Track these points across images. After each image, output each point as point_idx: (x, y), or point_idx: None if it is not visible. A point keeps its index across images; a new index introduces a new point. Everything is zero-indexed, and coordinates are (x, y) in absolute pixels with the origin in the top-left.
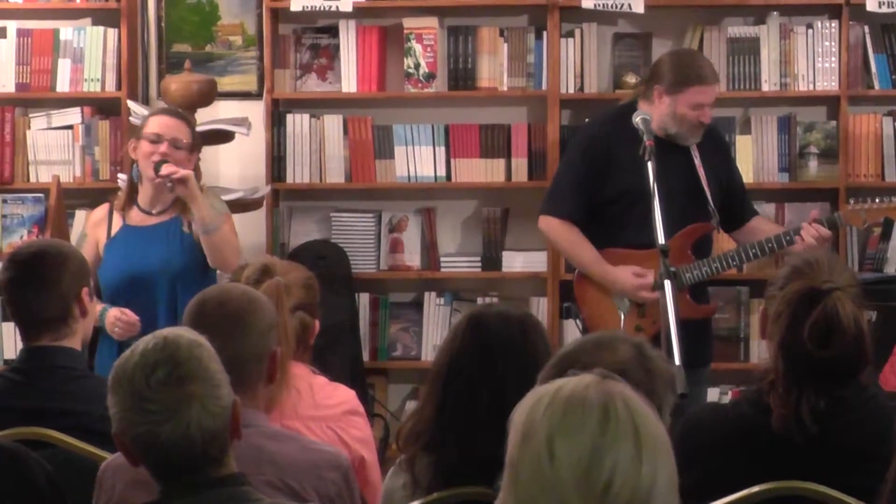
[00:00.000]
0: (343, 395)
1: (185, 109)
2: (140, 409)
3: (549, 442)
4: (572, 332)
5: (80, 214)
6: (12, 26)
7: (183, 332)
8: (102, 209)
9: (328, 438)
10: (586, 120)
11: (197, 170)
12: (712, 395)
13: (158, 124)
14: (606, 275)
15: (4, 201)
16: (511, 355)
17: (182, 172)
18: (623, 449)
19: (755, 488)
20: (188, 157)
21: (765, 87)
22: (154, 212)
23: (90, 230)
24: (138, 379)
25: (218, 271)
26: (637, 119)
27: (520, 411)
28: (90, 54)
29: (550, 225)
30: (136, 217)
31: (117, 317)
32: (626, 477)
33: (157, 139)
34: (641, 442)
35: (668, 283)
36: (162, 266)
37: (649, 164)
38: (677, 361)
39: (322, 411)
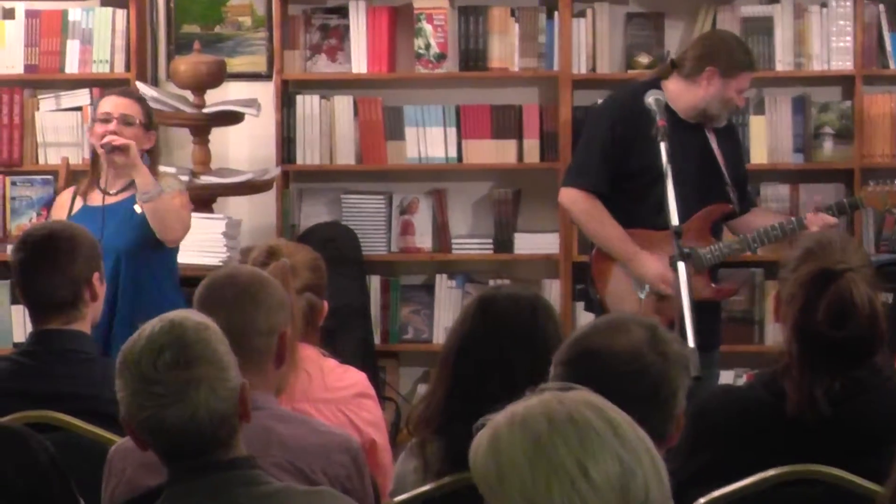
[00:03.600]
0: (353, 378)
1: (194, 90)
2: (147, 392)
3: (581, 468)
4: (585, 314)
5: None
6: (20, 7)
7: (190, 315)
8: (68, 192)
9: (339, 421)
10: (605, 97)
11: (156, 149)
12: (726, 377)
13: (108, 104)
14: (633, 258)
15: (13, 183)
16: (521, 338)
17: (121, 140)
18: (642, 454)
19: (769, 472)
20: (144, 134)
21: (779, 67)
22: (112, 192)
23: (55, 214)
24: (145, 362)
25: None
26: (650, 99)
27: (502, 447)
28: (99, 35)
29: (572, 198)
30: (95, 198)
31: None
32: (649, 476)
33: (106, 118)
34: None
35: (681, 265)
36: (111, 243)
37: (662, 145)
38: (691, 344)
39: (332, 394)
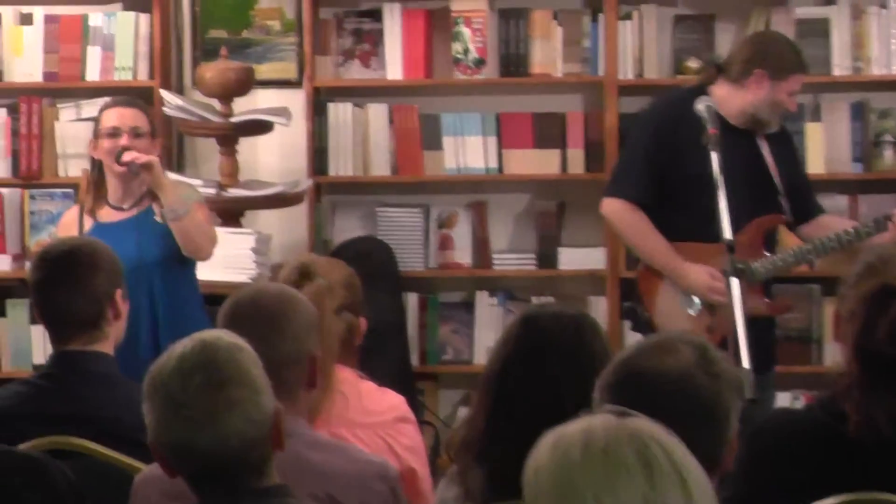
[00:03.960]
0: (392, 401)
1: (221, 98)
2: (177, 415)
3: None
4: (633, 333)
5: None
6: (39, 12)
7: (222, 335)
8: (72, 212)
9: (376, 447)
10: (649, 103)
11: (161, 157)
12: (782, 399)
13: (114, 117)
14: (678, 269)
15: (32, 197)
16: (566, 358)
17: (145, 158)
18: (673, 498)
19: (830, 499)
20: (150, 144)
21: (836, 72)
22: (125, 206)
23: (62, 233)
24: (175, 384)
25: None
26: (700, 106)
27: (543, 460)
28: (121, 41)
29: (615, 208)
30: (106, 214)
31: None
32: None
33: (115, 132)
34: (690, 488)
35: (734, 281)
36: (137, 260)
37: (714, 154)
38: (745, 364)
39: (370, 418)
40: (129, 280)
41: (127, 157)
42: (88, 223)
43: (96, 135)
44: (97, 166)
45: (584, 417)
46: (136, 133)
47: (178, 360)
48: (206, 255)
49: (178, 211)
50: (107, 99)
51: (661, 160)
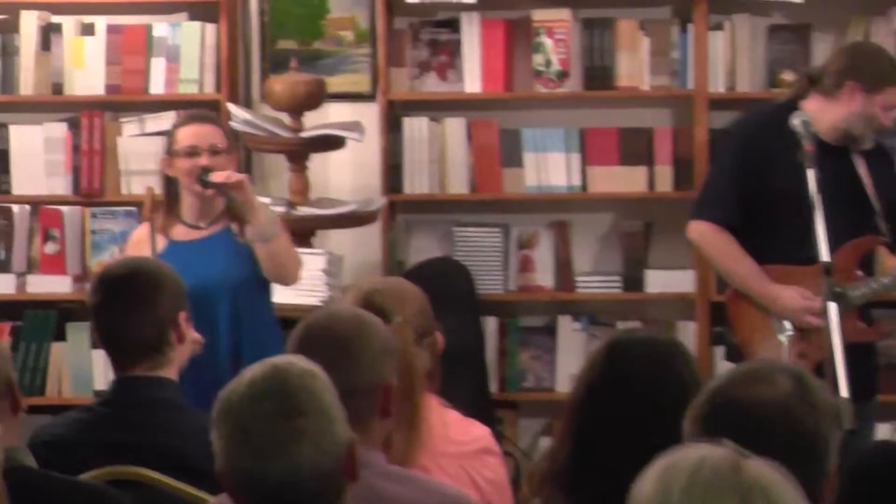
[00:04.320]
0: (478, 432)
1: (291, 112)
2: (246, 443)
3: None
4: (724, 360)
5: None
6: (101, 22)
7: (296, 361)
8: (143, 229)
9: (458, 478)
10: (736, 119)
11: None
12: (884, 431)
13: (190, 135)
14: (768, 292)
15: (93, 216)
16: (655, 387)
17: (237, 177)
18: None
19: None
20: (228, 160)
21: None
22: (202, 225)
23: (132, 252)
24: (245, 411)
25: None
26: (796, 121)
27: (647, 487)
28: (186, 52)
29: (702, 231)
30: (182, 232)
31: None
32: None
33: (193, 151)
34: None
35: (832, 306)
36: (221, 280)
37: (810, 172)
38: (843, 393)
39: (454, 448)
40: (207, 302)
41: (216, 177)
42: (161, 242)
43: (171, 152)
44: (171, 184)
45: (701, 448)
46: (214, 150)
47: (248, 385)
48: (292, 280)
49: (268, 233)
50: (180, 114)
51: (748, 180)
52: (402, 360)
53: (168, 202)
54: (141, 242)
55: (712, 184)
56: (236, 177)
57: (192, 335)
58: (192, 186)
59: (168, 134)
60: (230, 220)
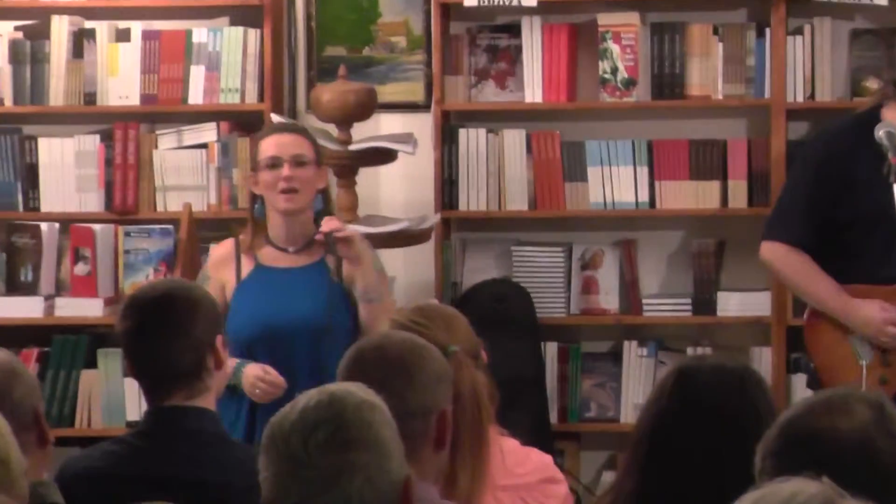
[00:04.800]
0: (538, 461)
1: (339, 124)
2: (294, 475)
3: None
4: (801, 388)
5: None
6: (137, 27)
7: (354, 390)
8: (227, 245)
9: None
10: (814, 133)
11: (328, 189)
12: None
13: (272, 145)
14: (848, 309)
15: (128, 234)
16: (727, 417)
17: (346, 232)
18: None
19: None
20: (316, 174)
21: None
22: (291, 250)
23: (214, 270)
24: (295, 440)
25: None
26: (880, 133)
27: None
28: (228, 60)
29: (776, 252)
30: (269, 256)
31: (259, 376)
32: None
33: (275, 162)
34: None
35: None
36: (305, 320)
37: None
38: None
39: (513, 479)
40: (286, 342)
41: (326, 226)
42: (248, 265)
43: (255, 167)
44: (258, 202)
45: (793, 484)
46: (298, 161)
47: (300, 413)
48: None
49: (372, 296)
50: (265, 126)
51: (826, 197)
52: (468, 390)
53: (255, 222)
54: (225, 261)
55: (786, 202)
56: (348, 231)
57: (229, 360)
58: (276, 202)
59: (253, 151)
60: (325, 251)
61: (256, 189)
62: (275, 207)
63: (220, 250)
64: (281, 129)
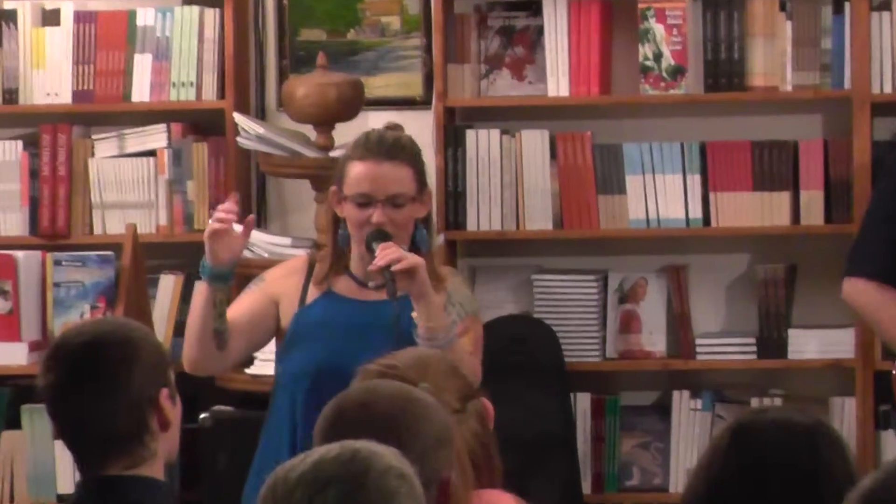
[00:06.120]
0: None
1: (318, 125)
2: None
3: None
4: (893, 447)
5: (165, 280)
6: (68, 8)
7: (385, 453)
8: (301, 260)
9: None
10: None
11: (431, 216)
12: None
13: (364, 177)
14: None
15: (58, 263)
16: (796, 483)
17: (407, 262)
18: None
19: None
20: (413, 210)
21: None
22: (371, 285)
23: (276, 279)
24: (300, 495)
25: None
26: None
27: None
28: (180, 47)
29: (857, 291)
30: (345, 286)
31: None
32: None
33: (366, 201)
34: None
35: None
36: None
37: None
38: None
39: None
40: (339, 385)
41: (382, 258)
42: (315, 293)
43: (340, 182)
44: (342, 227)
45: None
46: (394, 204)
47: (314, 465)
48: None
49: (438, 340)
50: (357, 139)
51: None
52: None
53: (335, 250)
54: (295, 273)
55: (871, 226)
56: (407, 261)
57: (178, 416)
58: (359, 244)
59: (339, 163)
60: (387, 293)
61: (340, 212)
62: (359, 243)
63: (294, 263)
64: (378, 152)
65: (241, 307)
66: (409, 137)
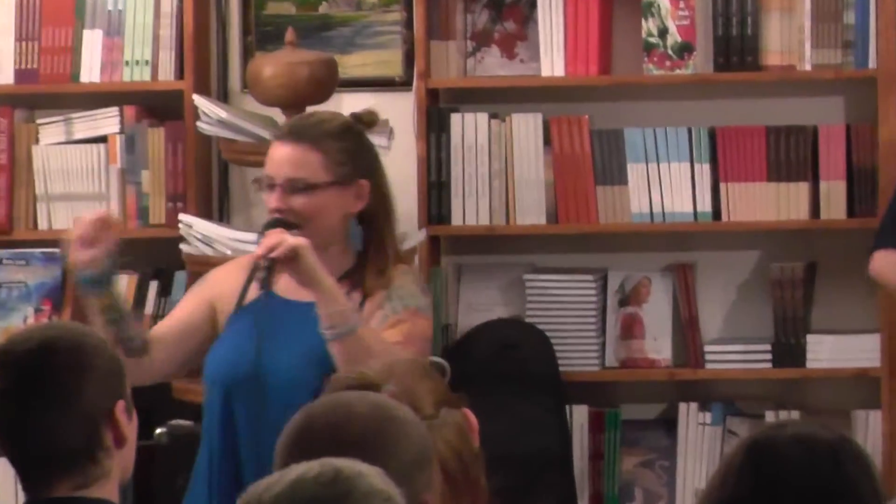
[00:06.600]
0: None
1: (286, 108)
2: None
3: None
4: None
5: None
6: None
7: (370, 473)
8: (249, 257)
9: None
10: None
11: (379, 212)
12: None
13: (270, 158)
14: None
15: None
16: (816, 502)
17: (284, 246)
18: None
19: None
20: (339, 194)
21: None
22: (257, 275)
23: (217, 280)
24: None
25: None
26: None
27: None
28: (134, 21)
29: (886, 261)
30: (284, 285)
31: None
32: None
33: (268, 182)
34: None
35: None
36: (286, 369)
37: None
38: None
39: None
40: (262, 393)
41: (260, 247)
42: (255, 291)
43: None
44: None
45: None
46: (294, 188)
47: (291, 484)
48: None
49: (337, 328)
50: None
51: None
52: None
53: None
54: (239, 271)
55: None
56: (285, 246)
57: (134, 433)
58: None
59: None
60: (362, 293)
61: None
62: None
63: (239, 259)
64: (288, 133)
65: (176, 312)
66: (344, 122)
